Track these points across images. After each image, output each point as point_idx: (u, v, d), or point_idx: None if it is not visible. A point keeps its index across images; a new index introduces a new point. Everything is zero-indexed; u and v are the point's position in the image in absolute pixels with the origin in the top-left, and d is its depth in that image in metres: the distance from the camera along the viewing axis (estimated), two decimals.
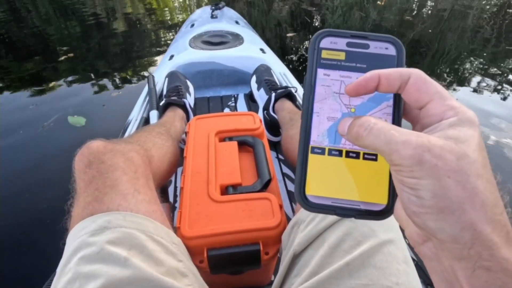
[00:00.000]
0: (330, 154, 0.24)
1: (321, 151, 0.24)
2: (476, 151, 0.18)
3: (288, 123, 0.80)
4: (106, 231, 0.38)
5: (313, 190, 0.23)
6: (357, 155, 0.23)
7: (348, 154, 0.23)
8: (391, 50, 0.24)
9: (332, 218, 0.40)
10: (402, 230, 0.66)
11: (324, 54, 0.25)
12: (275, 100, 0.94)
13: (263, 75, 1.09)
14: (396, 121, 0.23)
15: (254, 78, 1.13)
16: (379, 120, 0.20)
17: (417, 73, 0.21)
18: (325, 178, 0.23)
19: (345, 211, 0.23)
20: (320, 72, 0.25)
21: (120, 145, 0.51)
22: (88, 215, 0.40)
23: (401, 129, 0.19)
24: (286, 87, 0.97)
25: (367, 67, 0.24)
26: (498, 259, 0.17)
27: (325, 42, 0.25)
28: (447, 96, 0.21)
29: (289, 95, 0.95)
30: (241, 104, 1.25)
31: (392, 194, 0.23)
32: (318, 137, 0.24)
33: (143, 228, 0.41)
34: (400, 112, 0.23)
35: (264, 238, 0.49)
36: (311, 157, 0.24)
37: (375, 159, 0.23)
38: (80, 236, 0.38)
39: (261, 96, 1.05)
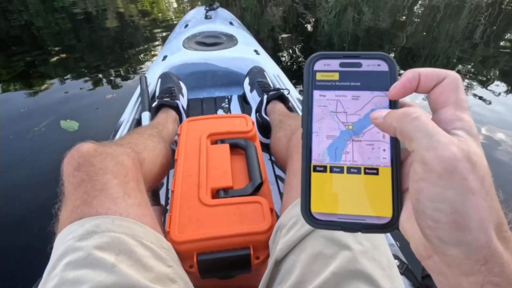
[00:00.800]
0: (332, 171, 0.24)
1: (323, 169, 0.24)
2: (488, 168, 0.19)
3: (277, 125, 0.80)
4: (94, 236, 0.38)
5: (318, 207, 0.24)
6: (358, 170, 0.24)
7: (349, 170, 0.24)
8: (383, 66, 0.25)
9: None
10: (391, 236, 0.66)
11: (319, 76, 0.26)
12: (267, 102, 0.94)
13: (256, 76, 1.09)
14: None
15: (247, 80, 1.13)
16: (427, 114, 0.20)
17: (452, 77, 0.21)
18: (329, 195, 0.24)
19: (351, 226, 0.23)
20: (316, 93, 0.25)
21: (110, 148, 0.50)
22: (76, 219, 0.39)
23: (444, 132, 0.19)
24: (279, 89, 0.97)
25: (361, 85, 0.25)
26: (507, 275, 0.17)
27: (319, 65, 0.26)
28: (462, 107, 0.20)
29: (281, 97, 0.95)
30: (235, 106, 1.25)
31: (397, 207, 0.23)
32: (319, 155, 0.24)
33: (132, 233, 0.41)
34: None
35: (255, 243, 0.49)
36: (314, 176, 0.24)
37: (377, 173, 0.24)
38: (67, 240, 0.38)
39: (254, 98, 1.05)
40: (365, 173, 0.24)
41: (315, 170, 0.24)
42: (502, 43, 3.01)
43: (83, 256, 0.36)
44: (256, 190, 0.57)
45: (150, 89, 1.10)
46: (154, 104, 0.95)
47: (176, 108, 0.95)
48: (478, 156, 0.18)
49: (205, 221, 0.50)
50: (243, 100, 1.25)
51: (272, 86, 1.10)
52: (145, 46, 2.90)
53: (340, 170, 0.24)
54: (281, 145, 0.66)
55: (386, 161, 0.24)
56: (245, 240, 0.48)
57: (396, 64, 0.25)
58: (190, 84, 1.28)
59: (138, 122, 0.99)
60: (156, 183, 0.68)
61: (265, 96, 0.94)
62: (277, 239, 0.43)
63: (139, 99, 1.07)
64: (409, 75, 0.21)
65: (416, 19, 3.87)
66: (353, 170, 0.24)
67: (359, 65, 0.26)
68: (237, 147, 0.67)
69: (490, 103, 1.91)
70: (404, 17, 3.93)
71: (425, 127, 0.18)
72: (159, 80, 1.10)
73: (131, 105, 1.06)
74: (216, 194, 0.57)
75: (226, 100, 1.28)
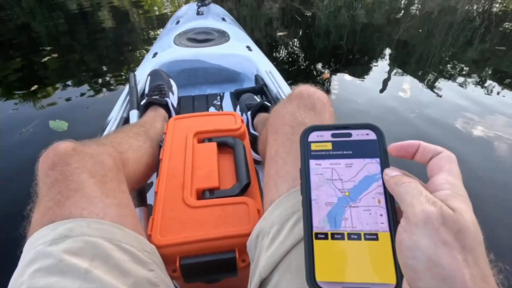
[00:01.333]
0: (333, 238, 0.25)
1: (324, 236, 0.25)
2: (474, 225, 0.21)
3: (261, 127, 0.78)
4: (67, 240, 0.35)
5: (322, 276, 0.24)
6: (358, 236, 0.24)
7: (350, 236, 0.25)
8: (371, 135, 0.28)
9: (298, 234, 0.35)
10: None
11: (313, 146, 0.28)
12: (252, 118, 0.91)
13: (245, 102, 1.06)
14: (389, 198, 0.25)
15: (238, 109, 1.10)
16: (418, 183, 0.24)
17: (448, 153, 0.25)
18: (333, 262, 0.24)
19: None
20: (312, 162, 0.28)
21: (90, 148, 0.48)
22: (48, 222, 0.37)
23: (427, 194, 0.22)
24: (261, 102, 0.94)
25: (352, 153, 0.27)
26: None
27: (313, 136, 0.29)
28: (454, 175, 0.24)
29: (263, 108, 0.91)
30: (227, 103, 1.23)
31: (400, 273, 0.23)
32: (319, 222, 0.25)
33: (109, 236, 0.38)
34: None
35: (240, 245, 0.46)
36: (316, 243, 0.25)
37: (376, 239, 0.24)
38: (37, 245, 0.35)
39: (244, 120, 1.02)
40: (365, 238, 0.24)
41: (317, 238, 0.25)
42: (496, 42, 3.00)
43: (54, 263, 0.33)
44: (243, 191, 0.55)
45: (139, 86, 1.08)
46: (142, 102, 0.93)
47: (165, 106, 0.93)
48: (455, 213, 0.21)
49: (188, 224, 0.48)
50: (236, 97, 1.23)
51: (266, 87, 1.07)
52: (139, 45, 2.85)
53: (341, 236, 0.25)
54: (263, 138, 0.63)
55: (384, 226, 0.25)
56: (230, 242, 0.47)
57: (383, 132, 0.28)
58: (181, 82, 1.25)
59: (126, 121, 0.96)
60: (141, 183, 0.66)
61: (249, 113, 0.92)
62: (259, 246, 0.40)
63: (128, 97, 1.04)
64: (410, 141, 0.26)
65: (410, 21, 3.85)
66: (353, 236, 0.24)
67: (349, 135, 0.28)
68: (225, 145, 0.65)
69: (486, 98, 1.91)
70: (400, 15, 3.91)
71: (412, 191, 0.23)
72: (149, 77, 1.07)
73: (119, 103, 1.03)
74: (201, 195, 0.55)
75: (218, 97, 1.26)
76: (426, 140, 0.26)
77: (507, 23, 3.48)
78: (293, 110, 0.45)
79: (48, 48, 2.63)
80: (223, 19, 1.71)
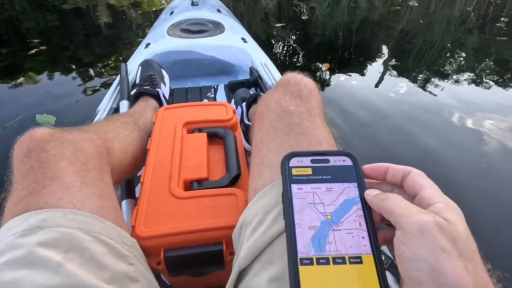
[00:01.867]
0: (318, 263, 0.24)
1: (310, 261, 0.25)
2: (467, 235, 0.21)
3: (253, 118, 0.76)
4: (40, 231, 0.33)
5: None
6: (343, 260, 0.24)
7: (335, 260, 0.25)
8: (347, 161, 0.29)
9: (281, 226, 0.34)
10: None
11: (294, 171, 0.29)
12: (247, 109, 0.89)
13: (240, 95, 1.04)
14: (369, 220, 0.26)
15: (232, 102, 1.08)
16: (402, 198, 0.25)
17: (417, 170, 0.26)
18: None
19: None
20: (294, 187, 0.28)
21: (71, 134, 0.45)
22: (21, 211, 0.35)
23: (415, 206, 0.23)
24: (256, 93, 0.92)
25: (331, 177, 0.28)
26: None
27: (293, 162, 0.30)
28: (436, 189, 0.25)
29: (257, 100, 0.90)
30: (221, 95, 1.21)
31: None
32: (304, 247, 0.25)
33: (87, 228, 0.36)
34: (370, 212, 0.27)
35: (228, 237, 0.45)
36: (302, 270, 0.24)
37: (360, 262, 0.24)
38: (7, 237, 0.33)
39: (239, 113, 1.01)
40: (350, 262, 0.24)
41: (302, 264, 0.24)
42: (495, 31, 2.99)
43: (23, 255, 0.31)
44: (233, 182, 0.53)
45: (131, 77, 1.05)
46: (133, 92, 0.90)
47: (156, 97, 0.90)
48: (449, 222, 0.21)
49: (174, 215, 0.46)
50: (230, 89, 1.21)
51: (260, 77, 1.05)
52: (132, 38, 2.79)
53: (326, 261, 0.24)
54: (252, 128, 0.61)
55: (367, 248, 0.25)
56: (217, 234, 0.45)
57: (357, 159, 0.30)
58: (175, 73, 1.23)
59: (116, 111, 0.94)
60: (128, 175, 0.63)
61: (244, 104, 0.90)
62: (242, 239, 0.38)
63: (118, 87, 1.02)
64: (381, 163, 0.28)
65: (410, 8, 3.83)
66: (338, 260, 0.24)
67: (327, 161, 0.29)
68: (216, 136, 0.63)
69: (487, 89, 1.90)
70: (399, 7, 3.88)
71: (400, 204, 0.24)
72: (140, 67, 1.05)
73: (109, 93, 1.01)
74: (189, 186, 0.53)
75: (212, 89, 1.24)
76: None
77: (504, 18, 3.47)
78: (279, 97, 0.44)
79: (36, 40, 2.55)
80: (219, 11, 1.68)
